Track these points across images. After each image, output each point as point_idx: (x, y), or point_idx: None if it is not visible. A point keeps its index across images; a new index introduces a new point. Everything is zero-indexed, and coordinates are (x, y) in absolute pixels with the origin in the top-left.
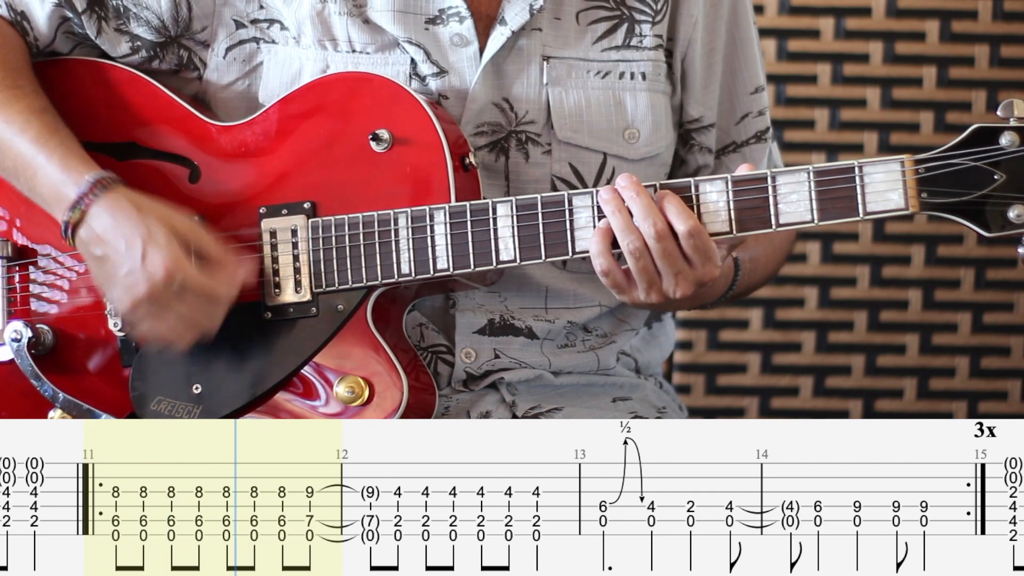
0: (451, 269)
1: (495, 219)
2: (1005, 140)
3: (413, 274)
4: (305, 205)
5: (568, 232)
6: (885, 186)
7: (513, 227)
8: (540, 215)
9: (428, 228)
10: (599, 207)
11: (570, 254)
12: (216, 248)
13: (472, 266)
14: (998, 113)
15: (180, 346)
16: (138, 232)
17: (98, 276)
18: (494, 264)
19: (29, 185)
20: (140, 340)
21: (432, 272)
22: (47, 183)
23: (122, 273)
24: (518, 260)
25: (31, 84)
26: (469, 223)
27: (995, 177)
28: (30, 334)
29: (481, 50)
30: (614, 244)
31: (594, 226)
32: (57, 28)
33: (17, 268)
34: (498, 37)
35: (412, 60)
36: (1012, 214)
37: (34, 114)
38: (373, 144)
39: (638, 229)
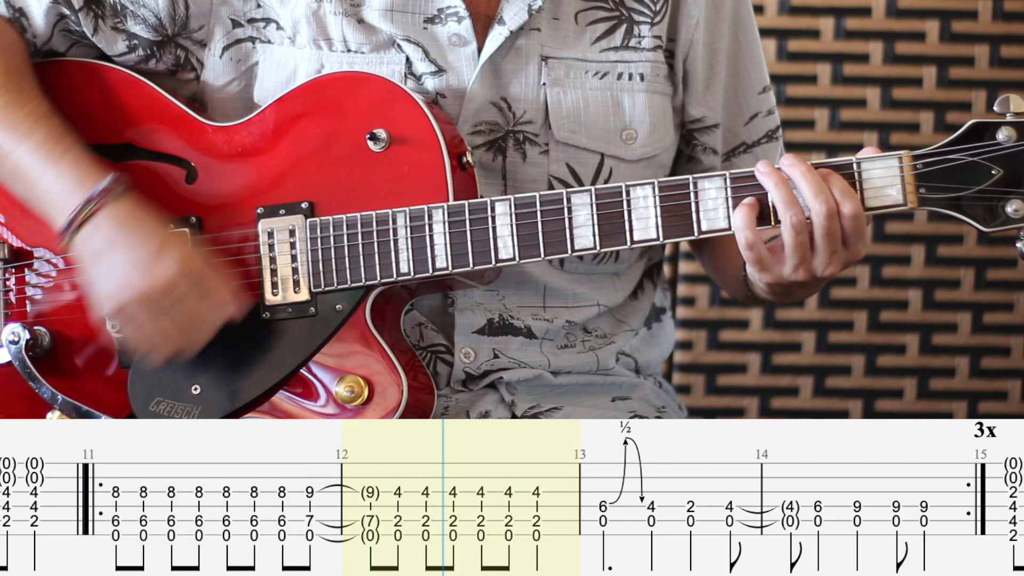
0: (450, 268)
1: (494, 218)
2: (1002, 135)
3: (412, 273)
4: (303, 205)
5: (567, 230)
6: (883, 182)
7: (512, 225)
8: (539, 213)
9: (427, 227)
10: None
11: (569, 252)
12: (218, 278)
13: (471, 265)
14: (995, 109)
15: (154, 357)
16: (158, 233)
17: (91, 268)
18: (493, 263)
19: (29, 189)
20: (120, 341)
21: (431, 271)
22: (54, 184)
23: (128, 264)
24: (517, 258)
25: (36, 88)
26: (468, 222)
27: (993, 172)
28: (28, 336)
29: (479, 49)
30: (758, 221)
31: (593, 223)
32: (54, 26)
33: (14, 270)
34: (496, 37)
35: (407, 59)
36: (1010, 209)
37: (40, 119)
38: (370, 143)
39: (799, 204)
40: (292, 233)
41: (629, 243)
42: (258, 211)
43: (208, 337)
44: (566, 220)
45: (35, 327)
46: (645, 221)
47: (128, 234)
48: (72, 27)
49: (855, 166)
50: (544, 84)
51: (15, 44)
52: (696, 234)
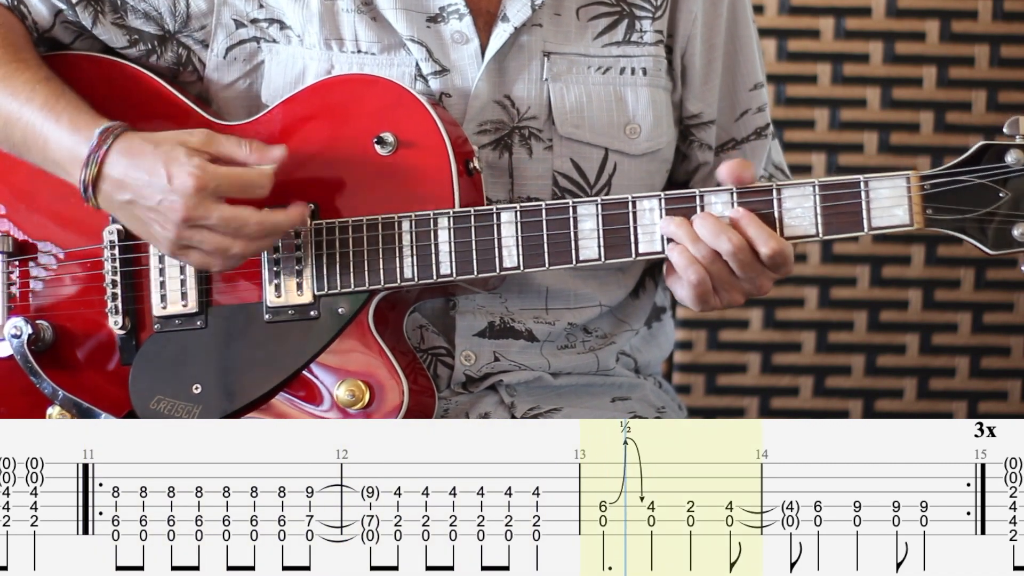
0: (454, 275)
1: (499, 226)
2: (1011, 158)
3: (416, 279)
4: (308, 207)
5: (572, 240)
6: (890, 202)
7: (517, 234)
8: (544, 223)
9: (432, 233)
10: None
11: (574, 263)
12: (239, 144)
13: (475, 272)
14: (1004, 131)
15: (237, 256)
16: (157, 160)
17: (132, 223)
18: (497, 271)
19: (42, 154)
20: (200, 265)
21: (435, 277)
22: (60, 147)
23: (154, 203)
24: (521, 267)
25: (34, 58)
26: (473, 229)
27: (1000, 195)
28: (30, 330)
29: (482, 47)
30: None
31: (599, 234)
32: (55, 15)
33: (17, 264)
34: (500, 34)
35: (416, 62)
36: (1017, 232)
37: (39, 82)
38: (377, 147)
39: (703, 241)
40: (297, 235)
41: (634, 255)
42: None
43: (260, 215)
44: (571, 230)
45: (37, 321)
46: (650, 234)
47: (135, 181)
48: (71, 19)
49: (862, 185)
50: (547, 80)
51: (11, 23)
52: None
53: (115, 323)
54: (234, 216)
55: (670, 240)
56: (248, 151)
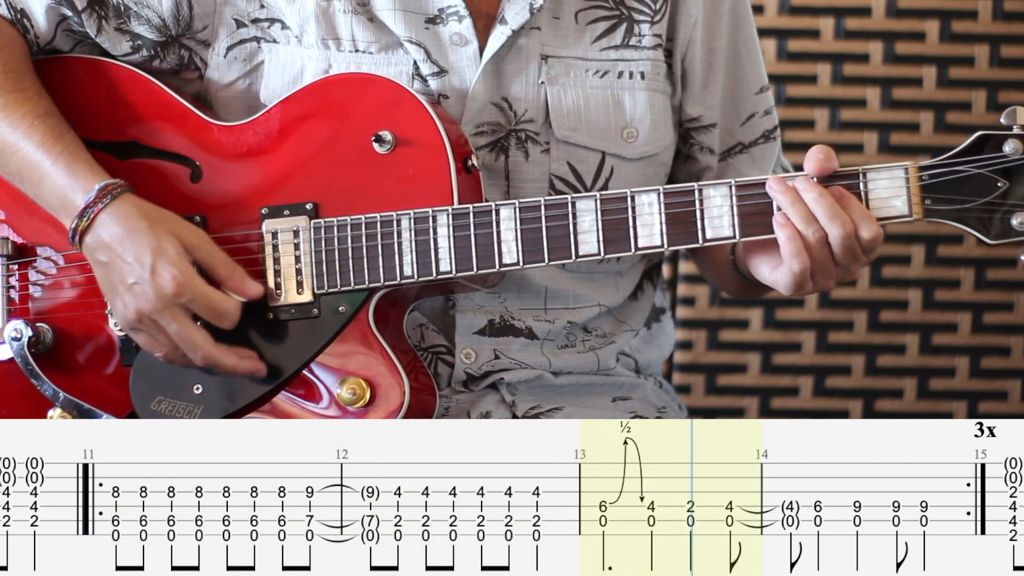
0: (454, 271)
1: (498, 222)
2: (1009, 148)
3: (416, 276)
4: (307, 206)
5: (571, 235)
6: (889, 192)
7: (516, 230)
8: (543, 218)
9: (431, 230)
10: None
11: (573, 258)
12: (226, 265)
13: (475, 269)
14: (1001, 120)
15: (175, 361)
16: (148, 244)
17: (102, 282)
18: (497, 267)
19: (35, 191)
20: (140, 344)
21: (435, 274)
22: (53, 189)
23: (129, 282)
24: (521, 263)
25: (34, 86)
26: (472, 225)
27: (999, 185)
28: (30, 333)
29: (480, 49)
30: (762, 230)
31: (598, 229)
32: (57, 25)
33: (17, 267)
34: (498, 36)
35: (415, 61)
36: (1015, 221)
37: (38, 118)
38: (376, 145)
39: (817, 221)
40: (296, 234)
41: (633, 250)
42: (262, 211)
43: (211, 348)
44: (570, 225)
45: (37, 324)
46: (650, 228)
47: (119, 255)
48: (75, 27)
49: (861, 176)
50: (544, 83)
51: (13, 43)
52: (700, 242)
53: (115, 324)
54: (190, 338)
55: (777, 209)
56: (230, 275)
